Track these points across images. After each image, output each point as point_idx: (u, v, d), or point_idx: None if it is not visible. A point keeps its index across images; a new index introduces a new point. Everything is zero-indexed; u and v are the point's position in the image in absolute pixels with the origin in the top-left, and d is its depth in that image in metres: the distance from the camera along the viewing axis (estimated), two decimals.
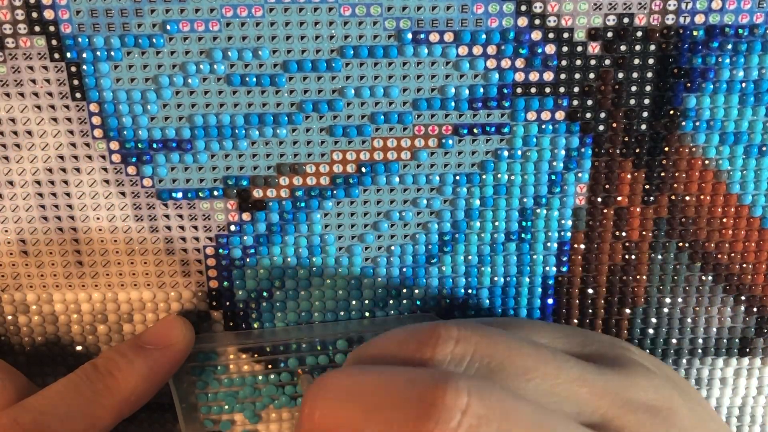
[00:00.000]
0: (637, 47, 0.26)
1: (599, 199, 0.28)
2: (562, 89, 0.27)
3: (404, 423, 0.18)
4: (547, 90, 0.27)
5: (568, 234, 0.29)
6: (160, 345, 0.28)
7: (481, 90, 0.26)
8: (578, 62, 0.26)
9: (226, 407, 0.30)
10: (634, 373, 0.23)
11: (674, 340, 0.30)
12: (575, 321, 0.30)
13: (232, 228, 0.29)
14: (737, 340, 0.30)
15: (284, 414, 0.31)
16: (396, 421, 0.18)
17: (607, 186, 0.28)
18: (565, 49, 0.26)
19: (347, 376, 0.21)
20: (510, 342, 0.21)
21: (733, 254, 0.29)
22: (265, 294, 0.30)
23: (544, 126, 0.27)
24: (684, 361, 0.31)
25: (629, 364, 0.24)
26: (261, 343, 0.30)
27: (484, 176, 0.28)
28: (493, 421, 0.18)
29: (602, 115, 0.27)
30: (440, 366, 0.20)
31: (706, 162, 0.28)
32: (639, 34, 0.26)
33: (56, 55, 0.26)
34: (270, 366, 0.30)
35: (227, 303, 0.30)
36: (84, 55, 0.26)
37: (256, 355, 0.30)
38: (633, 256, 0.29)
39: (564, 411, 0.21)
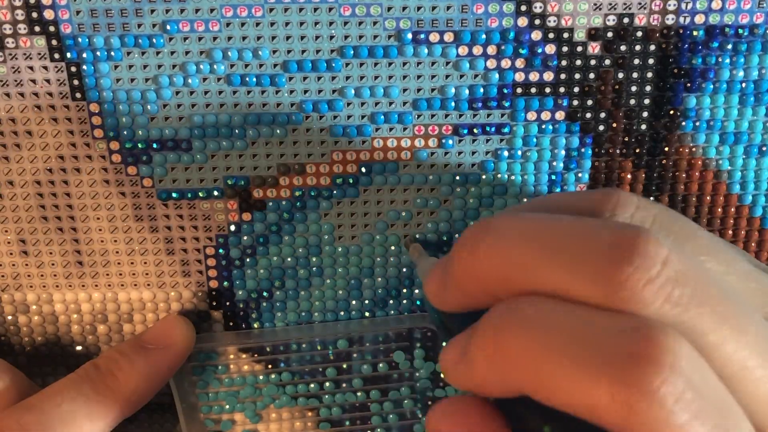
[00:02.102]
0: (637, 47, 0.26)
1: None
2: (562, 89, 0.27)
3: (595, 265, 0.16)
4: (547, 90, 0.27)
5: None
6: (161, 345, 0.28)
7: (481, 90, 0.26)
8: (578, 62, 0.26)
9: (227, 407, 0.30)
10: None
11: None
12: None
13: (232, 228, 0.29)
14: None
15: (284, 414, 0.31)
16: (585, 260, 0.16)
17: (607, 186, 0.28)
18: (565, 49, 0.26)
19: (519, 218, 0.18)
20: (687, 221, 0.20)
21: None
22: (265, 294, 0.30)
23: (544, 126, 0.27)
24: None
25: None
26: (261, 343, 0.30)
27: (484, 176, 0.28)
28: (690, 280, 0.16)
29: (602, 115, 0.27)
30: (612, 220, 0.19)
31: (706, 162, 0.28)
32: (639, 34, 0.26)
33: (56, 55, 0.26)
34: (270, 366, 0.30)
35: (227, 303, 0.30)
36: (84, 55, 0.26)
37: (256, 355, 0.30)
38: None
39: None
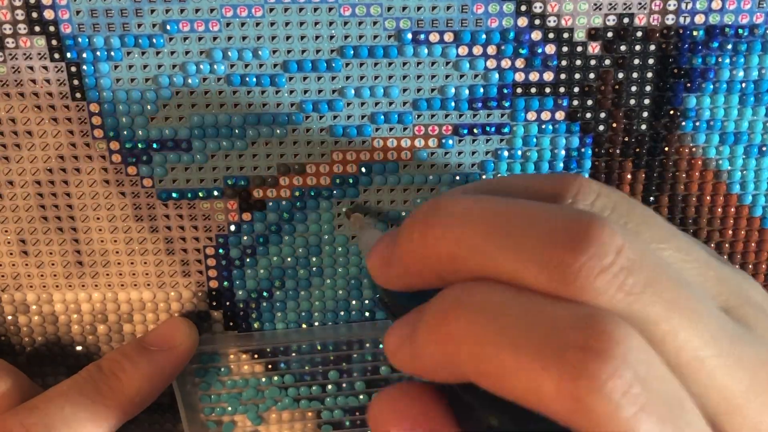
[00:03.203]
0: (637, 47, 0.26)
1: None
2: (562, 89, 0.27)
3: (548, 252, 0.16)
4: (547, 90, 0.27)
5: None
6: (164, 347, 0.28)
7: (481, 90, 0.26)
8: (578, 62, 0.26)
9: (229, 409, 0.30)
10: (750, 278, 0.21)
11: None
12: None
13: (232, 228, 0.29)
14: None
15: (285, 415, 0.31)
16: (536, 246, 0.16)
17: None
18: (565, 49, 0.26)
19: (473, 199, 0.18)
20: (646, 209, 0.19)
21: (733, 254, 0.29)
22: (265, 294, 0.30)
23: (544, 126, 0.27)
24: None
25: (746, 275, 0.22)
26: (263, 345, 0.30)
27: (484, 176, 0.28)
28: (644, 269, 0.16)
29: (602, 115, 0.27)
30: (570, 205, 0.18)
31: (706, 162, 0.28)
32: (639, 34, 0.26)
33: (56, 55, 0.26)
34: (271, 367, 0.30)
35: (227, 303, 0.30)
36: (84, 55, 0.26)
37: (256, 356, 0.30)
38: None
39: None
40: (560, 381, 0.15)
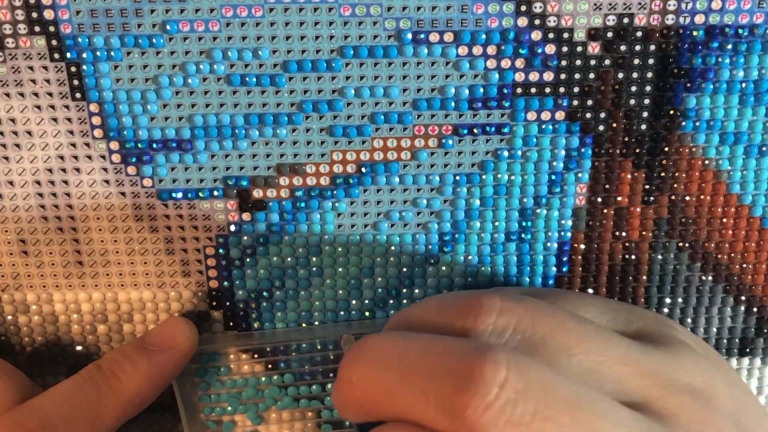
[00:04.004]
0: (637, 47, 0.26)
1: (599, 199, 0.28)
2: (562, 89, 0.27)
3: (440, 393, 0.18)
4: (547, 90, 0.27)
5: (568, 234, 0.29)
6: (164, 346, 0.28)
7: (481, 90, 0.26)
8: (578, 62, 0.26)
9: (229, 408, 0.31)
10: (679, 353, 0.22)
11: None
12: None
13: (232, 228, 0.29)
14: (737, 340, 0.30)
15: (285, 415, 0.31)
16: (431, 390, 0.18)
17: (607, 186, 0.28)
18: (565, 49, 0.26)
19: (386, 341, 0.20)
20: (554, 316, 0.21)
21: (733, 254, 0.29)
22: (265, 294, 0.30)
23: (544, 126, 0.27)
24: None
25: (674, 343, 0.23)
26: (263, 344, 0.30)
27: (484, 176, 0.28)
28: (531, 398, 0.17)
29: (602, 115, 0.27)
30: (481, 337, 0.20)
31: (706, 162, 0.28)
32: (639, 34, 0.26)
33: (56, 55, 0.26)
34: (271, 367, 0.30)
35: (227, 303, 0.30)
36: (84, 55, 0.26)
37: (256, 356, 0.30)
38: (633, 256, 0.29)
39: (605, 389, 0.20)
40: None
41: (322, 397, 0.31)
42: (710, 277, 0.29)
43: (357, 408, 0.20)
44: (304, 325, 0.30)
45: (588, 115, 0.27)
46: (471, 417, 0.17)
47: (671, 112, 0.27)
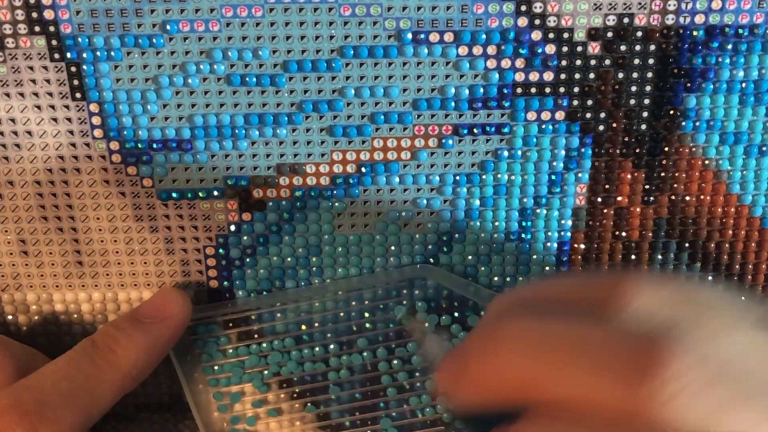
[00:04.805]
0: (637, 47, 0.26)
1: (599, 199, 0.28)
2: (562, 89, 0.27)
3: (613, 385, 0.16)
4: (547, 90, 0.27)
5: (568, 234, 0.29)
6: (157, 318, 0.28)
7: (481, 90, 0.26)
8: (578, 62, 0.26)
9: (234, 378, 0.30)
10: None
11: None
12: None
13: (232, 228, 0.29)
14: None
15: (294, 378, 0.31)
16: (603, 382, 0.16)
17: (607, 186, 0.28)
18: (565, 49, 0.26)
19: (528, 323, 0.18)
20: (698, 300, 0.19)
21: (733, 254, 0.29)
22: (265, 294, 0.30)
23: (544, 126, 0.27)
24: None
25: None
26: (261, 309, 0.29)
27: (484, 176, 0.28)
28: (713, 387, 0.16)
29: (602, 115, 0.27)
30: (629, 320, 0.18)
31: (706, 162, 0.28)
32: (639, 34, 0.26)
33: (56, 55, 0.26)
34: (270, 332, 0.30)
35: (227, 296, 0.30)
36: (84, 55, 0.26)
37: (254, 317, 0.30)
38: (633, 256, 0.29)
39: None
40: None
41: (327, 359, 0.30)
42: (710, 277, 0.29)
43: (492, 392, 0.19)
44: (303, 326, 0.30)
45: (588, 115, 0.27)
46: (652, 408, 0.16)
47: (671, 112, 0.27)
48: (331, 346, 0.30)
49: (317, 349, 0.30)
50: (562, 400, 0.17)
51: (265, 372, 0.30)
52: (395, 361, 0.30)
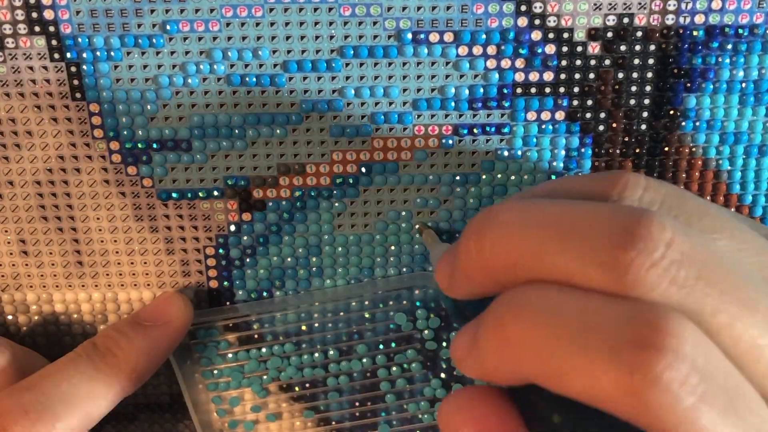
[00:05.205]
0: (637, 47, 0.26)
1: None
2: (562, 89, 0.27)
3: (599, 250, 0.16)
4: (547, 90, 0.27)
5: None
6: (158, 321, 0.28)
7: (481, 90, 0.26)
8: (578, 62, 0.26)
9: (233, 382, 0.30)
10: None
11: None
12: None
13: (232, 228, 0.29)
14: None
15: (291, 384, 0.31)
16: (589, 248, 0.16)
17: None
18: (565, 49, 0.26)
19: (523, 205, 0.18)
20: (697, 200, 0.19)
21: None
22: (265, 294, 0.30)
23: (544, 126, 0.27)
24: None
25: None
26: (261, 314, 0.30)
27: (483, 176, 0.28)
28: (695, 261, 0.16)
29: (602, 115, 0.27)
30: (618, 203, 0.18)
31: (706, 162, 0.28)
32: (639, 34, 0.26)
33: (56, 55, 0.26)
34: (270, 337, 0.30)
35: (227, 303, 0.30)
36: (84, 55, 0.26)
37: (256, 326, 0.30)
38: None
39: None
40: (617, 377, 0.15)
41: (327, 365, 0.30)
42: None
43: (482, 277, 0.19)
44: (304, 327, 0.30)
45: (588, 115, 0.27)
46: (635, 273, 0.16)
47: (671, 112, 0.27)
48: (331, 352, 0.30)
49: (317, 354, 0.30)
50: (552, 273, 0.17)
51: (265, 377, 0.30)
52: (394, 368, 0.30)
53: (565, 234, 0.17)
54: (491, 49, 0.26)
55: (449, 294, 0.21)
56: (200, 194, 0.28)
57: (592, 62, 0.26)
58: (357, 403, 0.31)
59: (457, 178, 0.28)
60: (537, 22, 0.26)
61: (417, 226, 0.29)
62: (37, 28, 0.25)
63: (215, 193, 0.28)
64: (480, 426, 0.18)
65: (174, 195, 0.28)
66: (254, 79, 0.26)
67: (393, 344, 0.30)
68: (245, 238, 0.29)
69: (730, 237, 0.19)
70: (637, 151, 0.27)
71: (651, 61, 0.26)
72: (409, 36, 0.26)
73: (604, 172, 0.20)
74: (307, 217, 0.28)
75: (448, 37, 0.26)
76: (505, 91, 0.26)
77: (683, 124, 0.27)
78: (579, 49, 0.26)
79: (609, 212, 0.17)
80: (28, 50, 0.26)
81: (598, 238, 0.16)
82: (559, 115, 0.27)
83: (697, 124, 0.27)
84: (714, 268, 0.17)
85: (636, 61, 0.26)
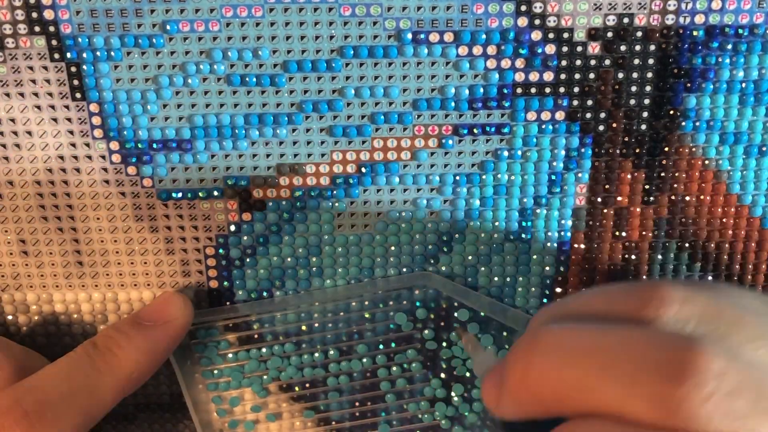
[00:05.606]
0: (637, 47, 0.26)
1: (599, 199, 0.28)
2: (562, 89, 0.27)
3: (649, 385, 0.16)
4: (547, 90, 0.27)
5: (568, 234, 0.29)
6: (158, 321, 0.28)
7: (481, 90, 0.26)
8: (578, 62, 0.26)
9: (233, 382, 0.30)
10: None
11: None
12: None
13: (232, 228, 0.29)
14: None
15: (292, 384, 0.31)
16: (639, 384, 0.17)
17: (607, 186, 0.28)
18: (565, 49, 0.26)
19: (568, 332, 0.19)
20: (734, 308, 0.19)
21: (733, 254, 0.29)
22: (265, 294, 0.30)
23: (544, 126, 0.27)
24: None
25: None
26: (260, 314, 0.30)
27: (484, 176, 0.28)
28: (746, 391, 0.16)
29: (602, 115, 0.27)
30: (664, 328, 0.19)
31: (706, 162, 0.28)
32: (639, 34, 0.26)
33: (56, 55, 0.26)
34: (270, 337, 0.30)
35: (227, 303, 0.30)
36: (84, 55, 0.26)
37: (256, 326, 0.30)
38: (633, 256, 0.29)
39: None
40: None
41: (327, 365, 0.30)
42: (710, 277, 0.29)
43: (531, 404, 0.19)
44: (303, 327, 0.30)
45: (588, 115, 0.27)
46: (688, 410, 0.16)
47: (671, 112, 0.27)
48: (331, 352, 0.30)
49: (317, 354, 0.30)
50: (600, 407, 0.17)
51: (265, 377, 0.30)
52: (394, 368, 0.30)
53: (612, 367, 0.17)
54: (491, 49, 0.26)
55: (497, 414, 0.21)
56: (200, 194, 0.28)
57: (592, 62, 0.26)
58: (357, 403, 0.31)
59: (457, 178, 0.28)
60: (537, 22, 0.26)
61: (455, 332, 0.29)
62: (37, 28, 0.25)
63: (215, 193, 0.28)
64: None
65: (174, 195, 0.28)
66: (254, 79, 0.26)
67: (393, 344, 0.30)
68: (245, 238, 0.29)
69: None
70: (637, 151, 0.27)
71: (651, 61, 0.26)
72: (409, 36, 0.26)
73: (639, 285, 0.20)
74: (307, 217, 0.28)
75: (448, 37, 0.26)
76: (505, 91, 0.26)
77: (683, 124, 0.27)
78: (579, 49, 0.26)
79: (655, 344, 0.17)
80: (28, 50, 0.26)
81: (647, 373, 0.17)
82: (559, 115, 0.27)
83: (697, 124, 0.27)
84: (766, 393, 0.17)
85: (636, 61, 0.26)
